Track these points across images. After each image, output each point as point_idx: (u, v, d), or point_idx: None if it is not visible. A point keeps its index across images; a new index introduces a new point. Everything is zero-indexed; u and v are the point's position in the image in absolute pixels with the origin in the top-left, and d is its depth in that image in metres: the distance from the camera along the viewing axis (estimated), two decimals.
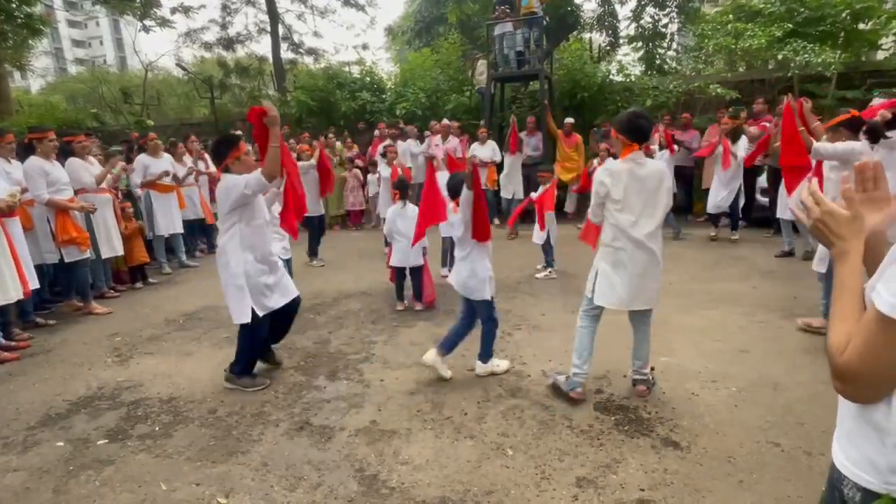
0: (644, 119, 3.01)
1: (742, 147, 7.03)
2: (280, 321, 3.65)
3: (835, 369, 0.95)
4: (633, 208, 2.98)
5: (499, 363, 3.61)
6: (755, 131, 7.10)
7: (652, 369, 3.34)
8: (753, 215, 7.68)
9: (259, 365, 3.70)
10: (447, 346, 3.52)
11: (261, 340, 3.55)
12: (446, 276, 5.93)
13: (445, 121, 9.41)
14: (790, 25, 8.44)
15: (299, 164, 5.45)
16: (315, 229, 6.93)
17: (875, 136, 3.73)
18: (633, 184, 2.96)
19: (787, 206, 5.56)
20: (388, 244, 6.61)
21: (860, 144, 3.75)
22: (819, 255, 3.97)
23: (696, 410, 3.01)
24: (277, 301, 3.46)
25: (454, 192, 3.50)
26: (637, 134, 2.97)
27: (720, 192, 6.99)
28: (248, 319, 3.31)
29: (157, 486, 2.57)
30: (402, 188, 5.05)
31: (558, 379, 3.29)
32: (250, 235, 3.32)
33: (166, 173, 6.76)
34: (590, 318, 3.23)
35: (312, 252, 6.95)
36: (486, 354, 3.56)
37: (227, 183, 3.25)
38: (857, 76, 8.51)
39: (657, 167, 3.06)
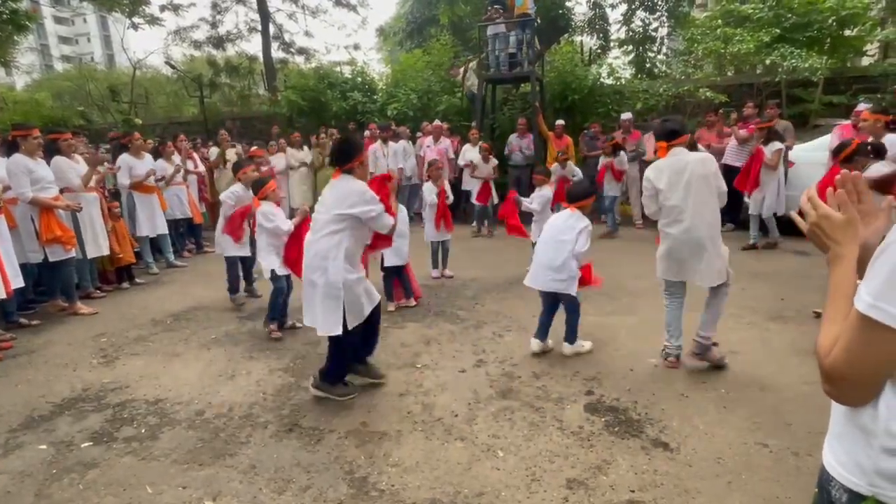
0: (669, 121, 3.51)
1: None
2: (366, 328, 3.42)
3: (822, 371, 0.96)
4: (678, 196, 3.32)
5: (583, 343, 3.89)
6: (744, 134, 7.19)
7: (715, 344, 3.54)
8: (741, 217, 7.75)
9: (360, 379, 3.54)
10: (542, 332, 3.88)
11: (352, 349, 3.39)
12: (438, 278, 5.99)
13: (437, 122, 9.40)
14: (778, 31, 8.56)
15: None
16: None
17: (881, 153, 4.14)
18: (675, 175, 3.33)
19: (756, 203, 6.56)
20: None
21: (877, 167, 3.97)
22: None
23: (686, 411, 3.02)
24: (367, 308, 3.30)
25: (575, 198, 3.81)
26: (667, 134, 3.41)
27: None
28: (339, 331, 3.12)
29: (142, 489, 2.53)
30: None
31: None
32: (354, 245, 3.18)
33: (156, 177, 6.70)
34: (668, 296, 3.58)
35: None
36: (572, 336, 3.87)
37: (357, 189, 3.10)
38: (842, 81, 8.65)
39: (699, 156, 3.44)
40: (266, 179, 4.49)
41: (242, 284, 5.42)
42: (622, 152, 7.77)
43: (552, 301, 3.82)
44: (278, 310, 4.45)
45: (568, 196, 3.89)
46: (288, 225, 4.22)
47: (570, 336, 3.82)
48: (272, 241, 4.28)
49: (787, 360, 3.62)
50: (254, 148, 8.21)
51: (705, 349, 3.48)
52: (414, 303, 5.04)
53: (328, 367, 3.34)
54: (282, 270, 4.27)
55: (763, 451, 2.62)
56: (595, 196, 3.96)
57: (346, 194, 3.10)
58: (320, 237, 3.13)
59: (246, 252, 5.17)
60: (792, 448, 2.62)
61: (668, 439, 2.76)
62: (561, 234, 3.70)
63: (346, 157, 3.20)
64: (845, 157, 4.22)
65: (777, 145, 6.35)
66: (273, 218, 4.25)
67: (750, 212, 6.69)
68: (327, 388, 3.33)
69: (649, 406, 3.10)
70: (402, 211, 5.00)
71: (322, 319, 3.15)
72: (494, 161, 8.26)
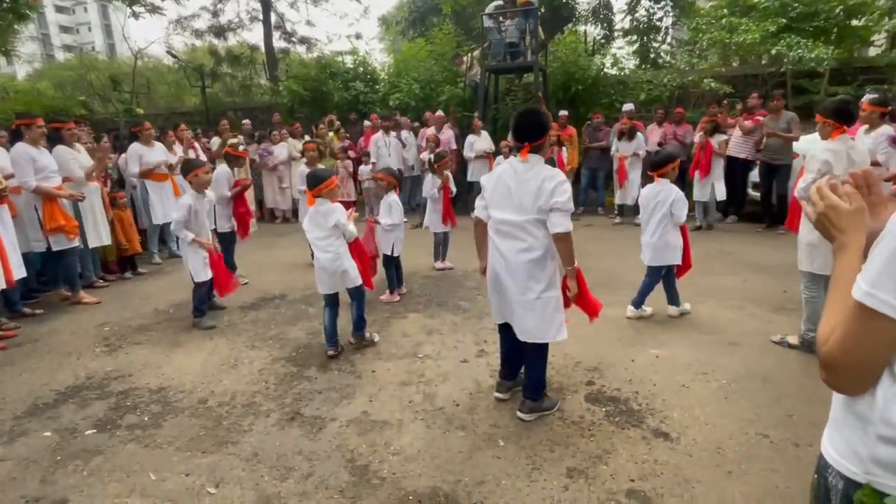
0: (853, 105, 3.46)
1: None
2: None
3: (819, 357, 0.97)
4: None
5: (686, 305, 4.39)
6: (749, 125, 7.14)
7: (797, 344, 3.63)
8: (744, 209, 7.74)
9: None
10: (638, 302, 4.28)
11: None
12: (442, 269, 5.98)
13: (440, 112, 9.36)
14: (784, 21, 8.47)
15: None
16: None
17: None
18: (850, 162, 3.27)
19: (704, 190, 7.23)
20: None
21: None
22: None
23: (687, 402, 3.03)
24: None
25: (657, 165, 4.13)
26: (846, 118, 3.37)
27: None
28: (565, 334, 2.83)
29: (145, 475, 2.56)
30: (396, 179, 5.05)
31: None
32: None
33: (169, 166, 6.68)
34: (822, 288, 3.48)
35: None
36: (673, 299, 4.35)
37: (553, 173, 2.63)
38: (849, 72, 8.57)
39: (863, 147, 3.53)
40: (329, 172, 3.80)
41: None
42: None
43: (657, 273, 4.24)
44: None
45: (652, 166, 4.20)
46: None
47: (674, 300, 4.33)
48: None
49: (788, 352, 3.62)
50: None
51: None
52: (397, 299, 5.02)
53: (533, 378, 2.93)
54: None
55: (764, 442, 2.63)
56: (677, 159, 4.29)
57: (546, 180, 2.62)
58: (539, 236, 2.70)
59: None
60: (793, 439, 2.62)
61: (668, 429, 2.77)
62: (654, 210, 4.08)
63: (538, 130, 2.67)
64: None
65: (722, 136, 7.20)
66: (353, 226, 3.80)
67: (696, 198, 7.23)
68: (538, 406, 2.95)
69: (650, 397, 3.11)
70: (399, 202, 4.98)
71: (545, 327, 2.79)
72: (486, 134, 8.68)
